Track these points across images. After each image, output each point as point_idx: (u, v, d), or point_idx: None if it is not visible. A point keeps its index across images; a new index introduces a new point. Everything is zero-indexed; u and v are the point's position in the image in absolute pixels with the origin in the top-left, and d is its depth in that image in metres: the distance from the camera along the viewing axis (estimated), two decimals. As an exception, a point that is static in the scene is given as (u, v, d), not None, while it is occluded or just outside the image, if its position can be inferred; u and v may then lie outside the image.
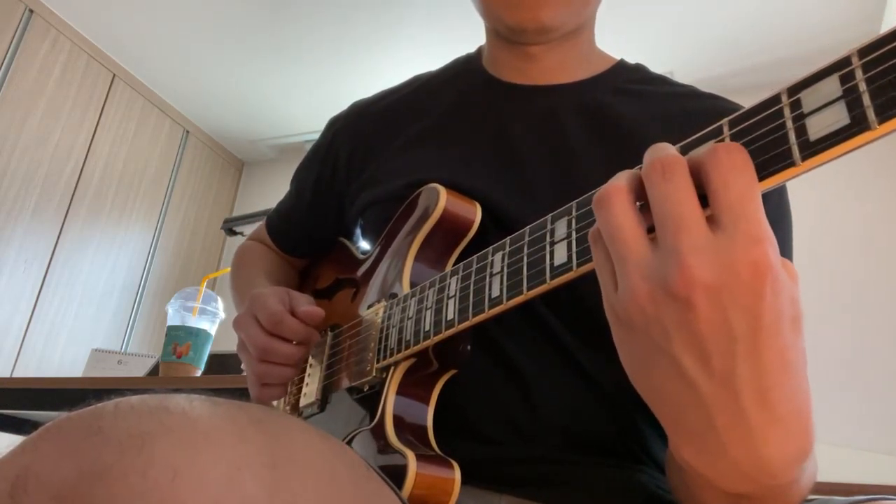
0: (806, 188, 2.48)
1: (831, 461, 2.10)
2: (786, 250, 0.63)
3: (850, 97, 0.29)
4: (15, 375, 2.62)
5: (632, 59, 0.77)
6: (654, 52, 2.79)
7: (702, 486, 0.39)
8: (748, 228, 0.30)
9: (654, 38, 2.76)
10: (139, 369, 1.78)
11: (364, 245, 0.78)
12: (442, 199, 0.62)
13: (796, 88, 0.31)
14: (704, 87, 0.72)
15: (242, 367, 1.62)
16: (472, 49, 0.83)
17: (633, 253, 0.32)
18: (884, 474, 2.06)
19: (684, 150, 0.35)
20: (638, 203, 0.34)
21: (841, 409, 2.33)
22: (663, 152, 0.33)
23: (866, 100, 0.28)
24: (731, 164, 0.31)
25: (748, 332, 0.30)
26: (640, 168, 0.34)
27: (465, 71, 0.79)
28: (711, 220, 0.31)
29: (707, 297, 0.30)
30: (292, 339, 0.65)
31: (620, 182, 0.34)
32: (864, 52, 0.29)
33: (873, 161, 2.62)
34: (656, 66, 0.77)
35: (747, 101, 0.36)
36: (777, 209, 0.64)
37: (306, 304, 0.66)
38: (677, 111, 0.67)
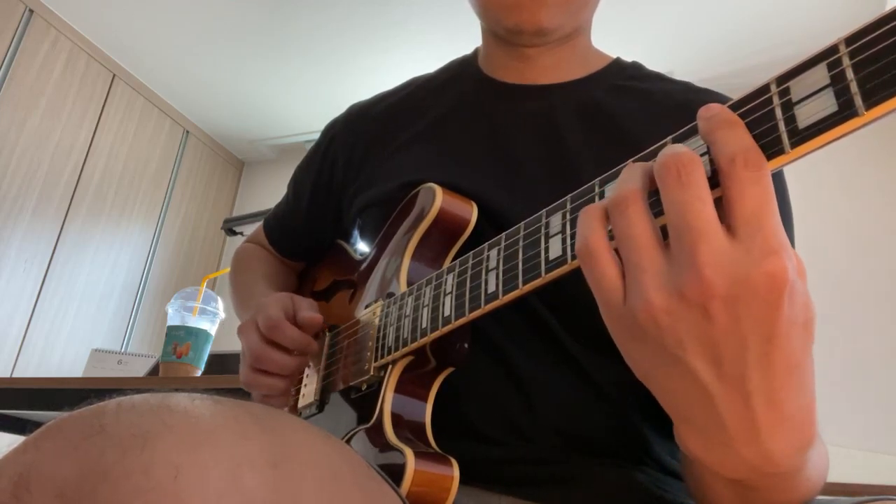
0: (811, 185, 2.48)
1: (833, 461, 2.10)
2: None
3: (838, 85, 0.29)
4: (15, 375, 2.62)
5: (632, 59, 0.77)
6: (654, 52, 2.79)
7: (708, 475, 0.41)
8: (765, 240, 0.30)
9: (654, 38, 2.76)
10: (139, 369, 1.78)
11: (362, 246, 0.78)
12: (438, 198, 0.63)
13: (785, 78, 0.32)
14: (704, 87, 0.73)
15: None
16: (473, 49, 0.83)
17: (651, 262, 0.32)
18: (887, 474, 2.06)
19: (677, 142, 0.36)
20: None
21: (843, 410, 2.33)
22: (679, 150, 0.32)
23: (854, 87, 0.29)
24: (748, 175, 0.30)
25: (761, 340, 0.31)
26: (654, 163, 0.34)
27: (462, 72, 0.79)
28: (727, 228, 0.31)
29: (723, 307, 0.30)
30: (289, 347, 0.64)
31: (636, 183, 0.34)
32: (851, 40, 0.29)
33: (874, 160, 2.62)
34: (656, 66, 0.77)
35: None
36: (780, 207, 0.64)
37: (308, 310, 0.66)
38: (673, 106, 0.67)
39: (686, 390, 0.33)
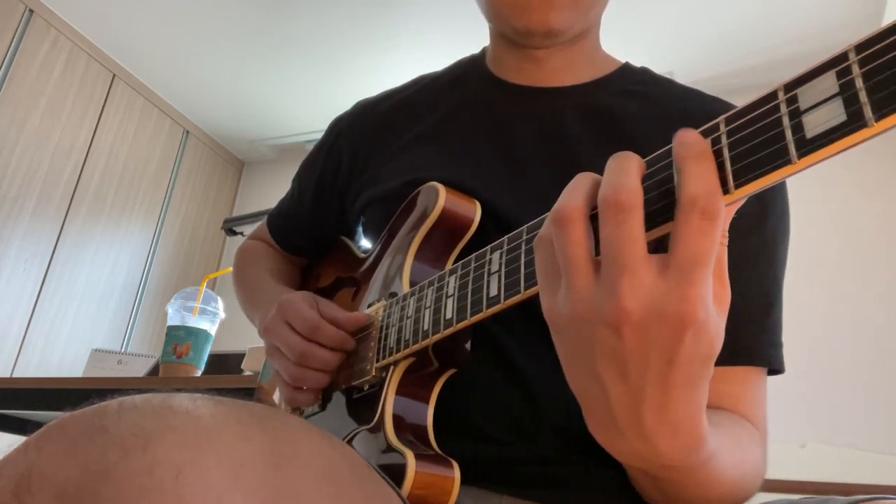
0: (810, 183, 2.47)
1: (831, 461, 2.10)
2: (780, 269, 0.63)
3: (847, 94, 0.28)
4: (15, 375, 2.61)
5: (632, 59, 0.77)
6: (654, 52, 2.79)
7: (626, 465, 0.48)
8: (688, 289, 0.33)
9: (654, 38, 2.76)
10: (139, 369, 1.78)
11: (365, 243, 0.78)
12: (441, 197, 0.62)
13: (793, 85, 0.31)
14: (704, 88, 0.73)
15: (244, 366, 1.61)
16: (474, 49, 0.83)
17: (580, 280, 0.35)
18: (884, 474, 2.06)
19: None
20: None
21: (841, 410, 2.33)
22: (623, 187, 0.34)
23: (863, 97, 0.28)
24: (698, 225, 0.32)
25: (662, 364, 0.35)
26: (602, 178, 0.36)
27: (470, 72, 0.79)
28: (661, 259, 0.34)
29: (634, 332, 0.34)
30: (330, 346, 0.64)
31: (579, 201, 0.36)
32: (861, 47, 0.28)
33: (874, 159, 2.62)
34: (657, 66, 0.77)
35: (748, 102, 0.36)
36: (779, 224, 0.63)
37: (338, 311, 0.66)
38: (680, 112, 0.67)
39: (589, 386, 0.38)
